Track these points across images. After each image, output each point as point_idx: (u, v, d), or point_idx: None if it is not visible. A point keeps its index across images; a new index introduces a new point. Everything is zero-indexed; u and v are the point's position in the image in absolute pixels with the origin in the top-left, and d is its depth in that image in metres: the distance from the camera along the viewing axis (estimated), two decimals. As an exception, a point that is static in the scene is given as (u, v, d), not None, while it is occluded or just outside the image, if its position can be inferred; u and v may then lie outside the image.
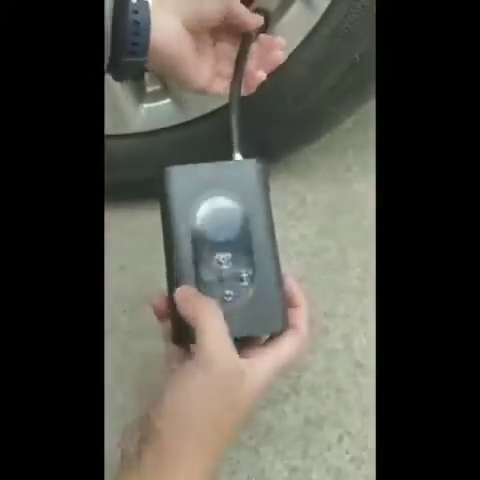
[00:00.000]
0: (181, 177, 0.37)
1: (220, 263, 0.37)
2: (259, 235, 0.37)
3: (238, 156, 0.39)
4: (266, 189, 0.38)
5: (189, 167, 0.38)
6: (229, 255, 0.37)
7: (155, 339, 0.59)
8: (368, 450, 0.50)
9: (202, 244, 0.37)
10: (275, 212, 0.39)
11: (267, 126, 0.59)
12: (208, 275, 0.36)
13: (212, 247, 0.37)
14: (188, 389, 0.34)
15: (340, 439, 0.51)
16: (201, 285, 0.36)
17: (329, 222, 0.66)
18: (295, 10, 0.52)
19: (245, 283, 0.37)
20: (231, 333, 0.34)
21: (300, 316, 0.38)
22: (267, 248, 0.37)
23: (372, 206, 0.67)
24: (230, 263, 0.37)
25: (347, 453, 0.50)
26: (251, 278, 0.37)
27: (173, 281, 0.37)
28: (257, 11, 0.54)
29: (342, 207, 0.67)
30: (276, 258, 0.38)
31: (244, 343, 0.37)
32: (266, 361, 0.36)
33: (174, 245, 0.37)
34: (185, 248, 0.36)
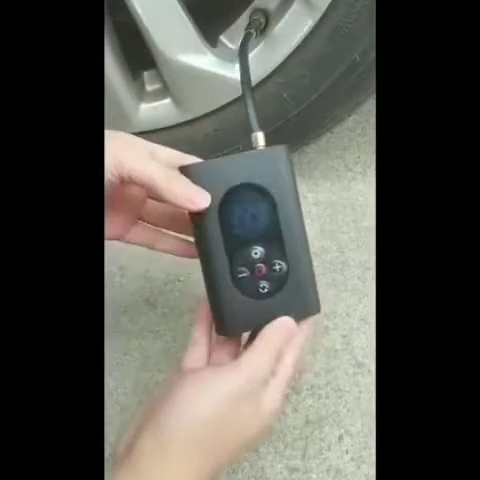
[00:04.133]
0: (202, 174, 0.36)
1: (253, 257, 0.37)
2: (289, 224, 0.37)
3: (260, 136, 0.38)
4: (293, 175, 0.37)
5: (213, 162, 0.37)
6: (261, 248, 0.37)
7: (155, 339, 0.59)
8: (368, 450, 0.50)
9: (233, 240, 0.36)
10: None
11: (267, 126, 0.59)
12: (242, 270, 0.37)
13: (244, 242, 0.37)
14: (204, 392, 0.34)
15: (340, 439, 0.51)
16: (237, 281, 0.37)
17: (329, 222, 0.66)
18: (295, 9, 0.52)
19: (279, 274, 0.37)
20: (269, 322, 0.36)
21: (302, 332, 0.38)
22: (297, 236, 0.38)
23: (372, 206, 0.67)
24: (263, 256, 0.37)
25: (347, 453, 0.50)
26: (285, 268, 0.37)
27: (210, 279, 0.38)
28: (256, 11, 0.54)
29: (342, 207, 0.67)
30: (306, 244, 0.38)
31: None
32: (278, 387, 0.36)
33: (206, 244, 0.37)
34: (217, 246, 0.37)
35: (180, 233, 0.43)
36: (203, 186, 0.35)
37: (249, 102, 0.40)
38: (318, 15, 0.51)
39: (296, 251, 0.37)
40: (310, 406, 0.53)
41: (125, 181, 0.35)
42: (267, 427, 0.36)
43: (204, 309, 0.39)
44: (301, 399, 0.53)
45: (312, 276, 0.39)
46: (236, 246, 0.37)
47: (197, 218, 0.36)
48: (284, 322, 0.37)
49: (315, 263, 0.57)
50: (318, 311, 0.39)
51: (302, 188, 0.67)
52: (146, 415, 0.34)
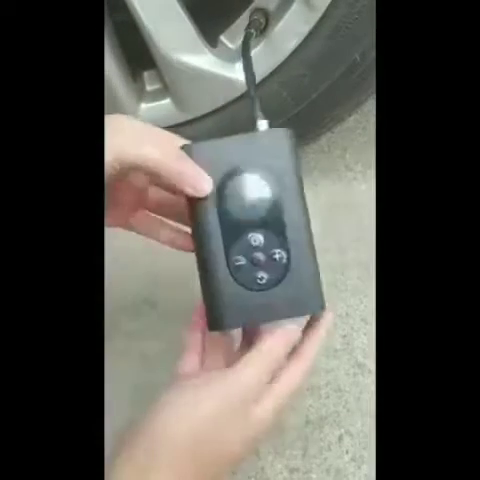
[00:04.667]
0: (203, 154, 0.34)
1: (251, 244, 0.34)
2: (291, 211, 0.34)
3: (263, 123, 0.36)
4: (297, 160, 0.35)
5: (212, 142, 0.35)
6: (260, 235, 0.34)
7: (155, 339, 0.59)
8: (368, 450, 0.50)
9: (231, 225, 0.34)
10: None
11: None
12: (239, 259, 0.34)
13: (242, 227, 0.34)
14: (184, 408, 0.32)
15: (340, 439, 0.51)
16: (233, 270, 0.34)
17: (329, 222, 0.66)
18: (295, 9, 0.52)
19: (279, 263, 0.35)
20: (267, 317, 0.34)
21: (312, 344, 0.36)
22: (300, 224, 0.35)
23: (372, 206, 0.67)
24: (262, 243, 0.34)
25: (347, 453, 0.50)
26: (285, 258, 0.34)
27: (204, 267, 0.35)
28: (256, 11, 0.54)
29: (342, 207, 0.67)
30: (310, 234, 0.36)
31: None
32: (275, 402, 0.34)
33: (201, 228, 0.35)
34: (213, 231, 0.34)
35: (180, 222, 0.42)
36: (201, 167, 0.34)
37: (252, 91, 0.39)
38: (318, 15, 0.51)
39: (298, 240, 0.34)
40: (310, 406, 0.53)
41: (127, 170, 0.33)
42: (255, 440, 0.34)
43: (197, 312, 0.38)
44: (301, 399, 0.53)
45: (315, 268, 0.35)
46: (233, 232, 0.34)
47: (194, 202, 0.35)
48: (287, 331, 0.34)
49: (315, 263, 0.56)
50: (321, 308, 0.35)
51: (302, 188, 0.67)
52: (122, 439, 0.33)
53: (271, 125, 0.37)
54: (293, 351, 0.36)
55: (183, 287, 0.63)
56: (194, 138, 0.61)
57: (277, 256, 0.34)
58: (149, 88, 0.62)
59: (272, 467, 0.50)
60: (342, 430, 0.51)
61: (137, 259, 0.65)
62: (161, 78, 0.58)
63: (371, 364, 0.54)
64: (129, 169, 0.33)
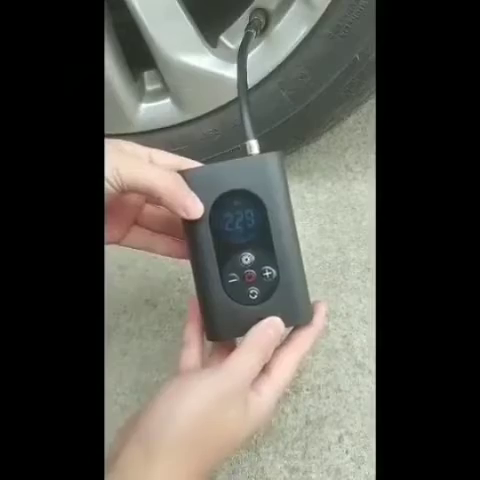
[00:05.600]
0: (198, 179, 0.37)
1: (243, 263, 0.37)
2: (279, 230, 0.37)
3: (254, 144, 0.39)
4: (285, 182, 0.38)
5: (207, 167, 0.38)
6: (251, 255, 0.37)
7: (155, 339, 0.59)
8: (368, 450, 0.50)
9: (224, 245, 0.37)
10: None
11: (266, 126, 0.59)
12: (233, 276, 0.38)
13: (234, 247, 0.37)
14: (187, 394, 0.33)
15: (340, 439, 0.51)
16: (227, 286, 0.37)
17: (329, 222, 0.66)
18: (295, 9, 0.52)
19: (269, 280, 0.38)
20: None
21: (307, 333, 0.39)
22: (288, 243, 0.38)
23: (372, 206, 0.67)
24: (253, 262, 0.37)
25: (347, 453, 0.50)
26: (274, 274, 0.37)
27: (201, 284, 0.38)
28: (256, 11, 0.54)
29: (342, 207, 0.67)
30: (298, 251, 0.38)
31: None
32: (272, 390, 0.36)
33: (196, 248, 0.38)
34: (208, 251, 0.37)
35: (175, 237, 0.43)
36: (195, 192, 0.36)
37: (244, 109, 0.40)
38: (318, 15, 0.51)
39: (286, 258, 0.37)
40: (310, 406, 0.53)
41: (125, 191, 0.35)
42: (255, 427, 0.36)
43: (194, 309, 0.40)
44: (301, 399, 0.53)
45: (303, 283, 0.39)
46: (226, 252, 0.37)
47: (189, 223, 0.37)
48: (271, 322, 0.37)
49: (315, 263, 0.57)
50: (310, 319, 0.39)
51: (302, 188, 0.67)
52: (131, 422, 0.34)
53: (260, 142, 0.39)
54: (289, 340, 0.39)
55: (183, 287, 0.63)
56: (194, 138, 0.62)
57: (267, 273, 0.38)
58: (149, 88, 0.62)
59: (272, 467, 0.50)
60: (342, 430, 0.51)
61: (137, 259, 0.65)
62: (161, 78, 0.59)
63: (371, 364, 0.54)
64: (126, 190, 0.35)
